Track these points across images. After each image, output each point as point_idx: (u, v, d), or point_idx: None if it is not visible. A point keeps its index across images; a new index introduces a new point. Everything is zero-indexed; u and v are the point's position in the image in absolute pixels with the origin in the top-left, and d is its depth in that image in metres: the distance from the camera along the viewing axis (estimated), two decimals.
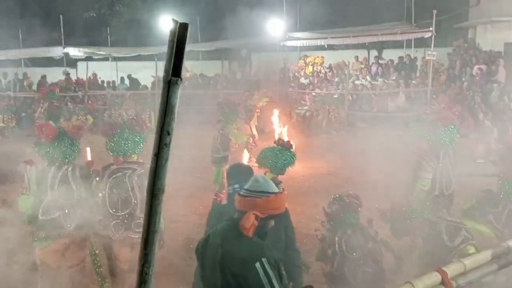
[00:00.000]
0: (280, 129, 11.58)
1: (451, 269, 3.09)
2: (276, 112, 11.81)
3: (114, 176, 4.96)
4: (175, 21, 1.62)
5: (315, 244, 5.31)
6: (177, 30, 1.62)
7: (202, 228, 6.18)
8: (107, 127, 5.28)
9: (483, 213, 5.14)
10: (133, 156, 5.14)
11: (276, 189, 3.19)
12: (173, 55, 1.61)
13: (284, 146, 5.11)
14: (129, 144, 5.08)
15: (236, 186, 4.30)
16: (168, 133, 1.63)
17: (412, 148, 6.28)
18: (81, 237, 5.03)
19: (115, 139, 5.08)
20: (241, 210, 3.11)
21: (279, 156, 4.99)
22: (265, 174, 4.97)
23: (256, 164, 5.22)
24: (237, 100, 14.63)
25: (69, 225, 4.88)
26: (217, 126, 8.93)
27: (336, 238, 4.65)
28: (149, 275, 1.70)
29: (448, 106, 6.42)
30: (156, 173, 1.65)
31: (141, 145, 5.17)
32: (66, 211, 4.88)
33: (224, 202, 4.46)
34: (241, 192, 3.19)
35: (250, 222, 3.00)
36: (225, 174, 8.23)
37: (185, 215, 8.38)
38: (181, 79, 1.62)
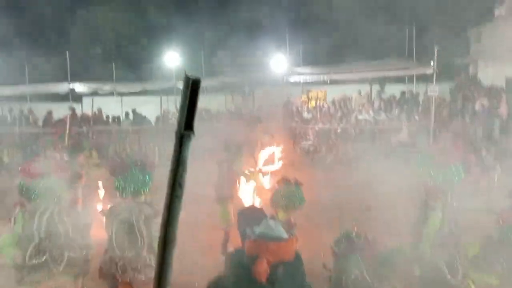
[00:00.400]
0: (279, 165, 11.48)
1: None
2: (276, 149, 11.77)
3: (121, 216, 4.96)
4: (187, 76, 1.67)
5: (320, 283, 5.27)
6: (189, 84, 1.66)
7: (207, 266, 6.14)
8: (117, 166, 5.29)
9: (489, 262, 5.13)
10: (141, 195, 5.15)
11: (286, 235, 3.18)
12: (186, 109, 1.66)
13: (295, 186, 5.21)
14: (139, 184, 5.09)
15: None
16: (180, 185, 1.67)
17: (416, 185, 6.26)
18: (72, 278, 4.99)
19: (124, 179, 5.10)
20: (252, 255, 3.07)
21: (292, 196, 5.13)
22: (277, 214, 5.05)
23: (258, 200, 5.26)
24: (240, 134, 14.67)
25: (57, 268, 4.85)
26: (222, 164, 8.68)
27: (343, 278, 4.63)
28: None
29: (453, 145, 6.40)
30: (168, 225, 1.68)
31: (150, 184, 5.17)
32: (54, 253, 4.85)
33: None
34: (252, 237, 3.18)
35: (263, 268, 2.97)
36: (230, 210, 8.22)
37: (190, 252, 8.31)
38: (193, 133, 1.67)
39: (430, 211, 5.72)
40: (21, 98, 23.16)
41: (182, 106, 1.66)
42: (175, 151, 1.69)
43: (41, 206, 4.92)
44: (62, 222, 4.90)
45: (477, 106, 17.76)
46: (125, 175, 5.09)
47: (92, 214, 8.70)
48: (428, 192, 5.82)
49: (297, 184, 5.29)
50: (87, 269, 5.13)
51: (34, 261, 4.84)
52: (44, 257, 4.84)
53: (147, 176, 5.14)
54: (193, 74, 1.64)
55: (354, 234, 4.81)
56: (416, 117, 18.74)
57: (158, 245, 1.71)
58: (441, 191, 5.78)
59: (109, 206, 5.16)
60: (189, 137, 1.67)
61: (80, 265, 4.99)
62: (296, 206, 5.14)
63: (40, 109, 22.73)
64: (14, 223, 4.94)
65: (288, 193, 5.15)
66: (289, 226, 5.17)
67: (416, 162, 6.08)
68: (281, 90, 21.85)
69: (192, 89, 1.66)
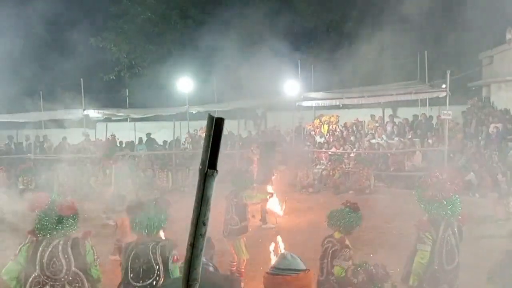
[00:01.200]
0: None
1: None
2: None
3: (137, 249, 4.92)
4: (211, 116, 1.68)
5: None
6: (213, 123, 1.67)
7: None
8: (133, 205, 5.24)
9: (508, 279, 5.04)
10: (156, 233, 5.13)
11: (304, 266, 3.15)
12: (210, 148, 1.66)
13: (352, 208, 5.58)
14: (155, 223, 5.06)
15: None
16: (204, 224, 1.67)
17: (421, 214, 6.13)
18: None
19: (141, 218, 5.07)
20: None
21: (349, 217, 5.50)
22: (334, 233, 5.50)
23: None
24: (248, 162, 14.60)
25: None
26: (229, 197, 8.35)
27: None
28: None
29: (450, 177, 6.13)
30: (191, 263, 1.68)
31: (166, 222, 5.14)
32: (55, 286, 4.83)
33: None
34: (269, 270, 3.14)
35: None
36: (243, 243, 8.12)
37: None
38: (217, 171, 1.67)
39: (420, 244, 5.57)
40: (36, 124, 23.43)
41: (205, 145, 1.67)
42: (198, 189, 1.69)
43: (48, 237, 4.89)
44: (66, 255, 4.86)
45: (491, 130, 17.64)
46: (141, 215, 5.07)
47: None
48: (418, 225, 5.68)
49: (355, 209, 5.62)
50: None
51: None
52: None
53: (162, 216, 5.12)
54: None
55: (373, 266, 4.76)
56: (430, 141, 18.59)
57: (182, 283, 1.70)
58: (432, 224, 5.60)
59: (124, 244, 5.09)
60: (212, 175, 1.67)
61: None
62: (350, 227, 5.50)
63: (54, 135, 22.98)
64: (19, 252, 4.91)
65: (342, 215, 5.50)
66: (342, 245, 5.42)
67: (415, 196, 5.95)
68: (293, 114, 21.88)
69: (215, 128, 1.67)
